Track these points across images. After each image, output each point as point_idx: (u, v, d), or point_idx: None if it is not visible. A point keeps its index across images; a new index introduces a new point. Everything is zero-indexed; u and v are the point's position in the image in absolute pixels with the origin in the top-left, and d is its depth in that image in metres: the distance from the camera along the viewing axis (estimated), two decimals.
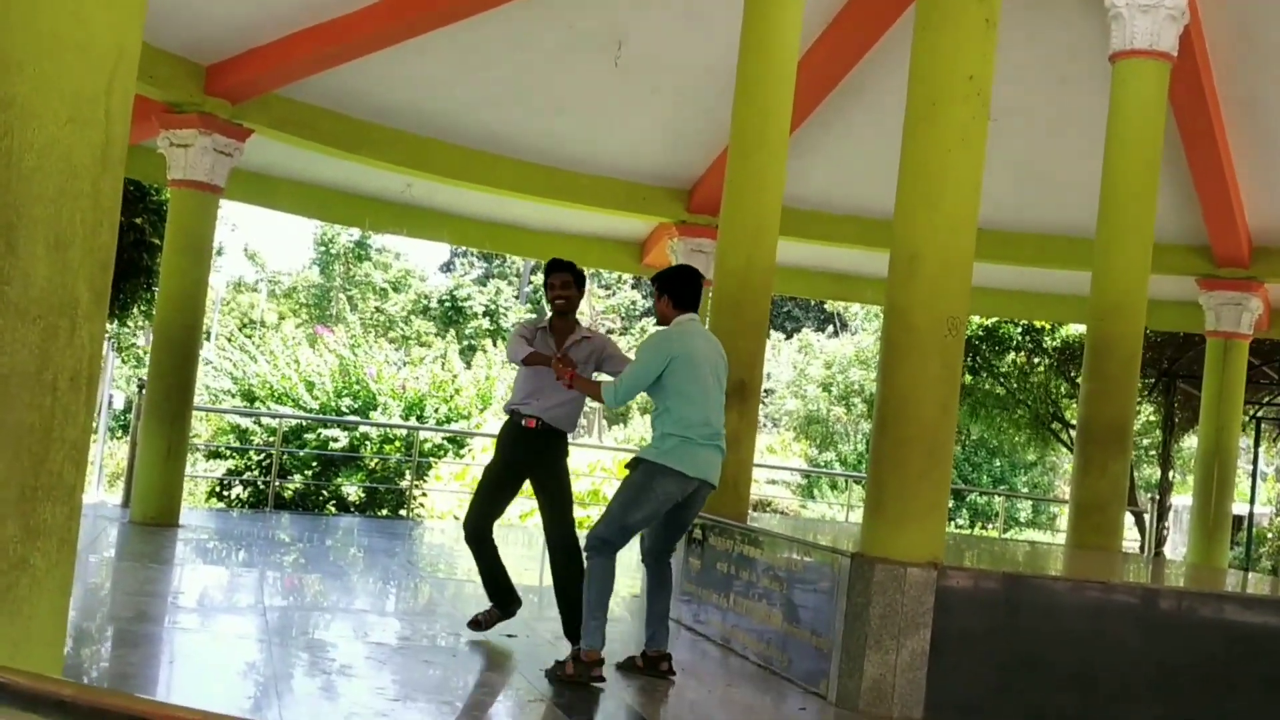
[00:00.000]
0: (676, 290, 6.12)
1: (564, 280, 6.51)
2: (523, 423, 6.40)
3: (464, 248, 37.73)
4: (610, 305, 38.51)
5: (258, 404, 17.04)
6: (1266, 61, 10.09)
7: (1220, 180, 11.22)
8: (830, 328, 37.80)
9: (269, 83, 10.37)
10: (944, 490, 5.93)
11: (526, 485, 6.58)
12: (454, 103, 11.53)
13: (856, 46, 10.53)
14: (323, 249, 37.35)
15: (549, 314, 6.69)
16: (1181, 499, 21.92)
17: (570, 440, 6.65)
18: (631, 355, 6.36)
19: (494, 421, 18.75)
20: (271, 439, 15.59)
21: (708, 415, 5.90)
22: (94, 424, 17.24)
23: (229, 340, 22.50)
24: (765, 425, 31.08)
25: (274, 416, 15.45)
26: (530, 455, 6.42)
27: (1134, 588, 6.17)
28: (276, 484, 14.58)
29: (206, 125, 10.18)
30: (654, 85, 11.41)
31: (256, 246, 41.69)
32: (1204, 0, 9.00)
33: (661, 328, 6.17)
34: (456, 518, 15.63)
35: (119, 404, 26.19)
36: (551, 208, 13.05)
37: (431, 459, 16.75)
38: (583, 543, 6.01)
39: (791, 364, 31.82)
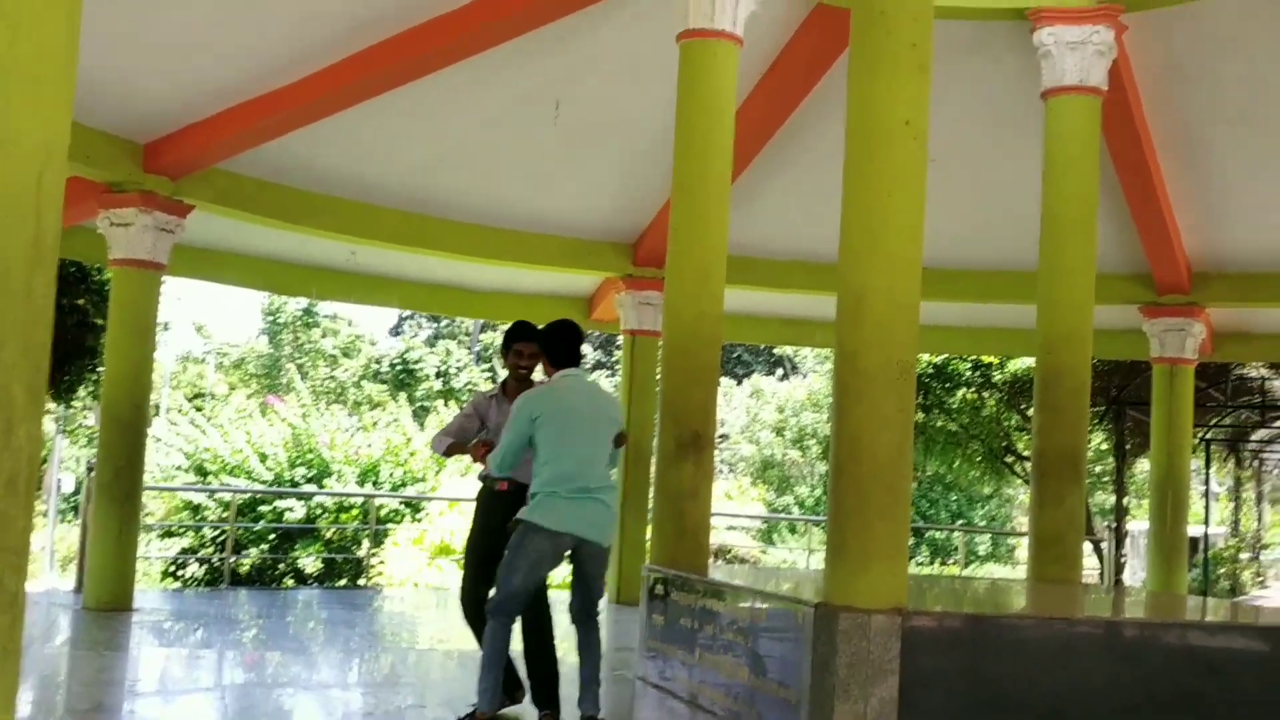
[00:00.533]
0: (551, 348, 6.20)
1: (533, 351, 6.52)
2: (496, 488, 6.48)
3: (412, 311, 37.59)
4: None
5: (210, 478, 16.86)
6: (1194, 90, 10.27)
7: (1157, 209, 11.38)
8: (780, 371, 37.92)
9: (208, 157, 10.33)
10: (904, 533, 5.92)
11: None
12: (396, 168, 11.53)
13: (793, 93, 10.62)
14: (270, 318, 37.10)
15: (503, 378, 6.75)
16: (1137, 524, 22.08)
17: None
18: None
19: (449, 483, 18.66)
20: (226, 514, 15.42)
21: (575, 470, 5.95)
22: (44, 508, 16.95)
23: (180, 414, 22.27)
24: (722, 471, 31.08)
25: (227, 491, 15.29)
26: (506, 518, 6.35)
27: (1098, 621, 6.18)
28: (232, 560, 14.39)
29: (146, 203, 10.12)
30: (595, 141, 11.47)
31: (204, 319, 41.36)
32: (1130, 35, 9.14)
33: (532, 388, 6.30)
34: (416, 584, 15.48)
35: (68, 486, 25.81)
36: (498, 268, 13.03)
37: (389, 524, 16.63)
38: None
39: (745, 409, 31.87)
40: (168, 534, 16.54)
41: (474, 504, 6.68)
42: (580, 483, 5.99)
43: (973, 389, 19.37)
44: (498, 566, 6.10)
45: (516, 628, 6.18)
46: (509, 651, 6.08)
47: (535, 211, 12.41)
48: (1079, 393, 8.81)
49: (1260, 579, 26.92)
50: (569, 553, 6.06)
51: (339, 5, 9.04)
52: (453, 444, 6.60)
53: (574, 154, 11.62)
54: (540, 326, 6.42)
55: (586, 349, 38.59)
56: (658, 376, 10.47)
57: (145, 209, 10.14)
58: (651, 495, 8.29)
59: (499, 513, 6.41)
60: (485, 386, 38.82)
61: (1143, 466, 22.49)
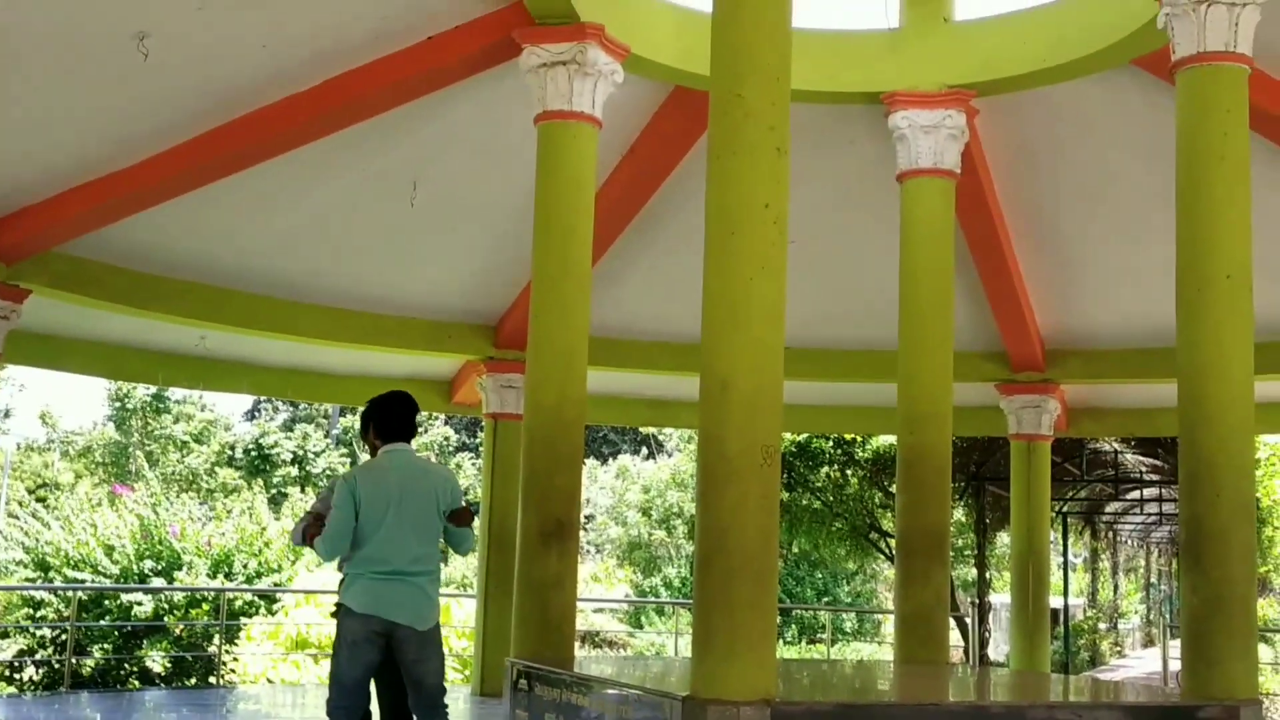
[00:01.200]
0: (378, 420, 6.03)
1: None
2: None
3: (267, 397, 36.76)
4: (423, 443, 37.90)
5: (52, 573, 16.11)
6: (1045, 173, 10.52)
7: (1010, 288, 11.59)
8: (645, 450, 37.87)
9: (46, 240, 9.91)
10: (772, 621, 5.80)
11: None
12: (247, 250, 11.20)
13: (653, 175, 10.60)
14: (118, 404, 35.91)
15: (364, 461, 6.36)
16: (999, 597, 22.34)
17: None
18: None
19: (305, 575, 18.10)
20: (67, 611, 14.70)
21: (385, 551, 5.75)
22: None
23: (20, 506, 21.37)
24: (589, 552, 30.78)
25: (67, 588, 14.59)
26: None
27: (967, 706, 6.12)
28: (73, 661, 13.68)
29: None
30: (453, 222, 11.30)
31: (49, 406, 39.85)
32: (982, 118, 9.33)
33: (355, 469, 6.10)
34: (270, 680, 14.90)
35: None
36: (356, 351, 12.73)
37: (243, 618, 16.02)
38: None
39: (611, 489, 31.66)
40: (3, 634, 15.71)
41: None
42: (391, 565, 5.78)
43: (836, 467, 19.49)
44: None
45: None
46: None
47: (393, 293, 12.17)
48: (941, 472, 8.86)
49: (1119, 648, 27.44)
50: (383, 633, 5.78)
51: (184, 87, 8.77)
52: (306, 528, 6.15)
53: (432, 235, 11.43)
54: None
55: (449, 432, 38.16)
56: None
57: None
58: (515, 583, 8.05)
59: None
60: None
61: (1003, 540, 22.83)
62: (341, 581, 5.97)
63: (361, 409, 6.30)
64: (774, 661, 5.79)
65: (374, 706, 6.14)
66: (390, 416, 6.06)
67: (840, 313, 12.22)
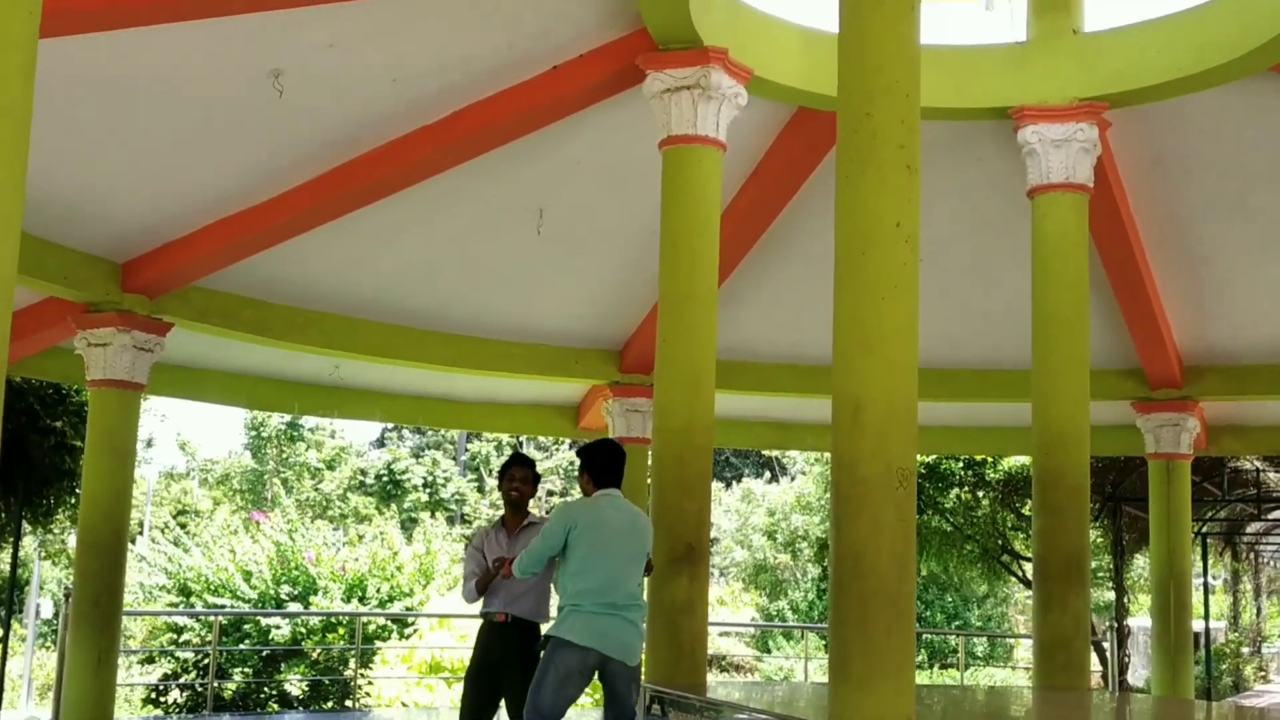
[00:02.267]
0: (596, 467, 6.38)
1: (525, 475, 7.02)
2: (495, 619, 6.71)
3: (397, 424, 37.35)
4: (548, 467, 38.17)
5: (193, 598, 16.52)
6: (1178, 183, 10.24)
7: (1146, 304, 11.30)
8: (768, 473, 37.67)
9: (187, 276, 10.20)
10: (910, 646, 5.71)
11: None
12: (376, 281, 11.41)
13: (777, 197, 10.55)
14: (254, 433, 36.82)
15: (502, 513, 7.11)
16: (1137, 620, 21.76)
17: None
18: None
19: (437, 599, 18.32)
20: (209, 636, 15.05)
21: (603, 585, 6.03)
22: (23, 633, 16.59)
23: (162, 532, 21.94)
24: (714, 576, 30.68)
25: (209, 614, 14.92)
26: (505, 652, 6.63)
27: None
28: (215, 684, 14.00)
29: (125, 323, 9.97)
30: (578, 249, 11.38)
31: (188, 435, 40.98)
32: (1114, 131, 9.12)
33: (568, 504, 6.44)
34: (405, 704, 15.08)
35: (46, 611, 25.29)
36: (484, 378, 12.88)
37: (377, 641, 16.26)
38: None
39: (736, 513, 31.55)
40: (148, 659, 16.13)
41: (476, 639, 6.86)
42: (608, 598, 6.06)
43: (966, 488, 19.17)
44: (494, 700, 6.40)
45: None
46: None
47: (520, 321, 12.29)
48: (1079, 493, 8.65)
49: (1263, 673, 26.53)
50: (598, 671, 6.05)
51: (316, 122, 8.97)
52: (478, 581, 6.78)
53: (557, 262, 11.53)
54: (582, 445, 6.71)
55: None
56: (648, 483, 10.24)
57: (124, 328, 9.98)
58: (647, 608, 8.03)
59: (497, 646, 6.66)
60: (473, 497, 38.46)
61: (1139, 562, 22.24)
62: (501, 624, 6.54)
63: (582, 448, 6.72)
64: (912, 688, 5.70)
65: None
66: (606, 464, 6.41)
67: (969, 332, 12.05)
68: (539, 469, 7.02)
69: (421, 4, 7.76)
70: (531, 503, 7.06)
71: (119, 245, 9.87)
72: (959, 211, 10.45)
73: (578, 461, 6.72)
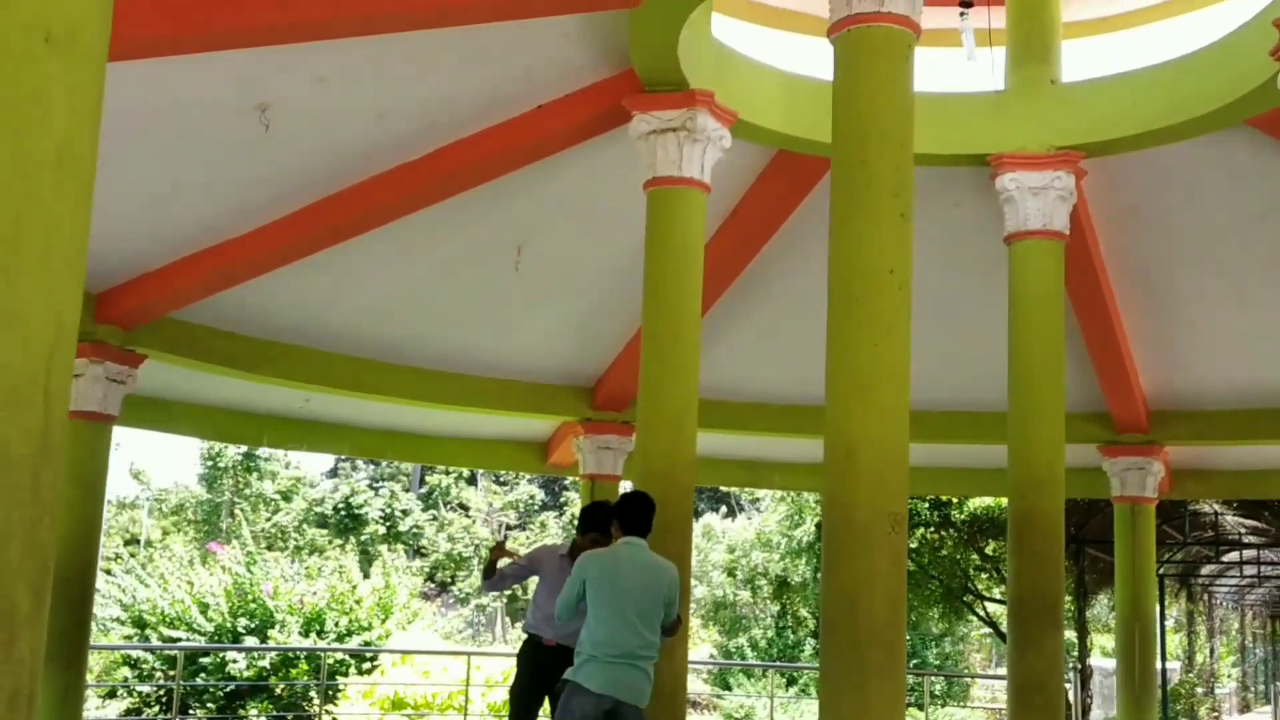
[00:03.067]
0: (623, 515, 6.70)
1: (593, 537, 7.21)
2: (544, 643, 7.42)
3: (365, 458, 37.10)
4: (507, 501, 38.05)
5: (149, 630, 16.30)
6: (1152, 234, 10.39)
7: (1115, 350, 11.44)
8: (724, 508, 37.71)
9: (161, 307, 10.13)
10: (901, 690, 5.74)
11: None
12: (351, 315, 11.37)
13: (754, 238, 10.62)
14: (210, 463, 36.45)
15: (573, 540, 7.63)
16: (1097, 661, 21.90)
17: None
18: None
19: (398, 634, 18.18)
20: (168, 670, 14.85)
21: (614, 636, 6.33)
22: None
23: (116, 562, 21.64)
24: None
25: (175, 648, 14.72)
26: (552, 672, 7.14)
27: None
28: None
29: (98, 354, 9.85)
30: (552, 287, 11.40)
31: (141, 463, 40.53)
32: (1090, 180, 9.25)
33: (594, 549, 6.76)
34: None
35: None
36: (453, 413, 12.85)
37: (338, 676, 16.11)
38: None
39: (695, 549, 31.52)
40: (110, 693, 15.89)
41: (517, 654, 7.67)
42: (622, 649, 6.36)
43: (931, 529, 19.28)
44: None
45: None
46: None
47: (493, 357, 12.28)
48: (1054, 537, 8.73)
49: (1215, 714, 26.75)
50: (609, 710, 6.38)
51: (299, 157, 8.94)
52: (488, 572, 7.88)
53: (532, 298, 11.54)
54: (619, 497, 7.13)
55: (534, 489, 38.27)
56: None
57: (96, 359, 9.87)
58: None
59: (545, 664, 7.37)
60: (430, 530, 38.21)
61: (1101, 603, 22.42)
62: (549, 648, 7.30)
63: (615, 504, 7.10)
64: None
65: None
66: (634, 513, 6.70)
67: (941, 373, 12.11)
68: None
69: (409, 42, 7.76)
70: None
71: (94, 276, 9.76)
72: (935, 254, 10.52)
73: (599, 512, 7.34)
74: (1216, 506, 18.44)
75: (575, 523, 7.46)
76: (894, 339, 5.85)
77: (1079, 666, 17.58)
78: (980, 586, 20.05)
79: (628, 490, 7.00)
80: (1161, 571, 20.13)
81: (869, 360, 5.80)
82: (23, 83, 2.25)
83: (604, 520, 7.04)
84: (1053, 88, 9.22)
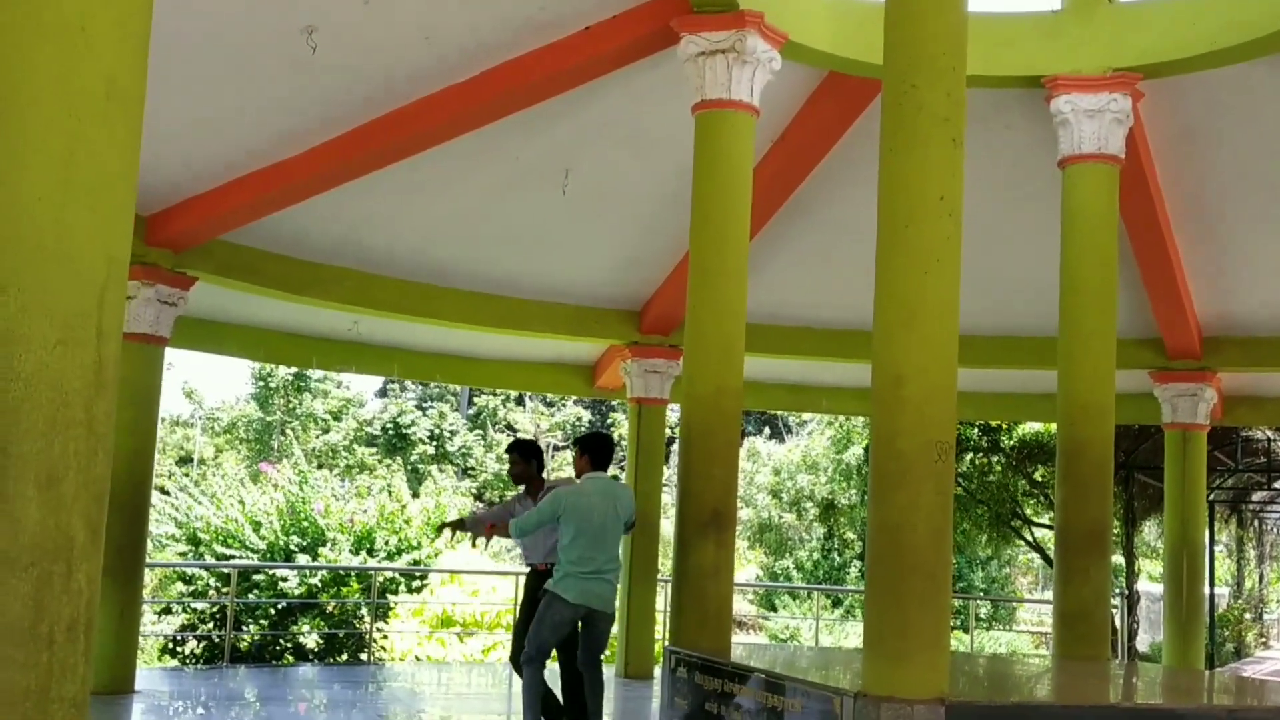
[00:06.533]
0: (596, 455, 7.71)
1: (513, 459, 8.42)
2: (539, 568, 8.02)
3: (413, 380, 37.38)
4: (555, 423, 38.25)
5: (202, 548, 16.55)
6: (1207, 158, 10.21)
7: (1169, 275, 11.28)
8: (766, 430, 37.73)
9: (211, 230, 10.18)
10: (945, 620, 5.74)
11: None
12: (399, 238, 11.39)
13: (804, 162, 10.51)
14: (261, 383, 36.82)
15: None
16: (1144, 586, 21.86)
17: None
18: None
19: (448, 554, 18.38)
20: (221, 587, 15.11)
21: (590, 554, 7.43)
22: None
23: (170, 480, 21.94)
24: None
25: (227, 566, 14.95)
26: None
27: (1151, 708, 6.00)
28: (232, 636, 14.07)
29: (149, 276, 9.93)
30: (599, 210, 11.36)
31: (193, 383, 41.01)
32: (1146, 103, 9.07)
33: (562, 486, 7.80)
34: (419, 659, 15.18)
35: None
36: (502, 336, 12.88)
37: (388, 595, 16.33)
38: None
39: (740, 472, 31.55)
40: (165, 609, 16.19)
41: (524, 582, 8.34)
42: (593, 565, 7.46)
43: (980, 454, 19.21)
44: None
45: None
46: (545, 689, 7.67)
47: (540, 280, 12.28)
48: (1102, 467, 8.68)
49: (1263, 639, 26.68)
50: (584, 617, 7.56)
51: (346, 80, 8.92)
52: (468, 521, 8.61)
53: (580, 222, 11.51)
54: (580, 435, 8.43)
55: (580, 411, 38.44)
56: (668, 447, 10.23)
57: (148, 282, 9.95)
58: (662, 568, 8.19)
59: (537, 585, 7.90)
60: (478, 451, 38.52)
61: (1147, 529, 22.32)
62: (541, 572, 7.86)
63: (577, 438, 8.54)
64: (947, 660, 5.73)
65: None
66: (601, 452, 7.72)
67: (991, 298, 12.02)
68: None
69: None
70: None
71: (144, 199, 9.81)
72: (986, 179, 10.38)
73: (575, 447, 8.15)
74: (1269, 433, 18.25)
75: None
76: (943, 268, 5.78)
77: (1126, 592, 17.55)
78: (1028, 511, 19.98)
79: (594, 430, 8.00)
80: (1211, 498, 20.00)
81: (917, 289, 5.74)
82: (69, 16, 2.25)
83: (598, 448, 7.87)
84: (1110, 7, 9.04)
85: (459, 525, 8.69)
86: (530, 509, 8.02)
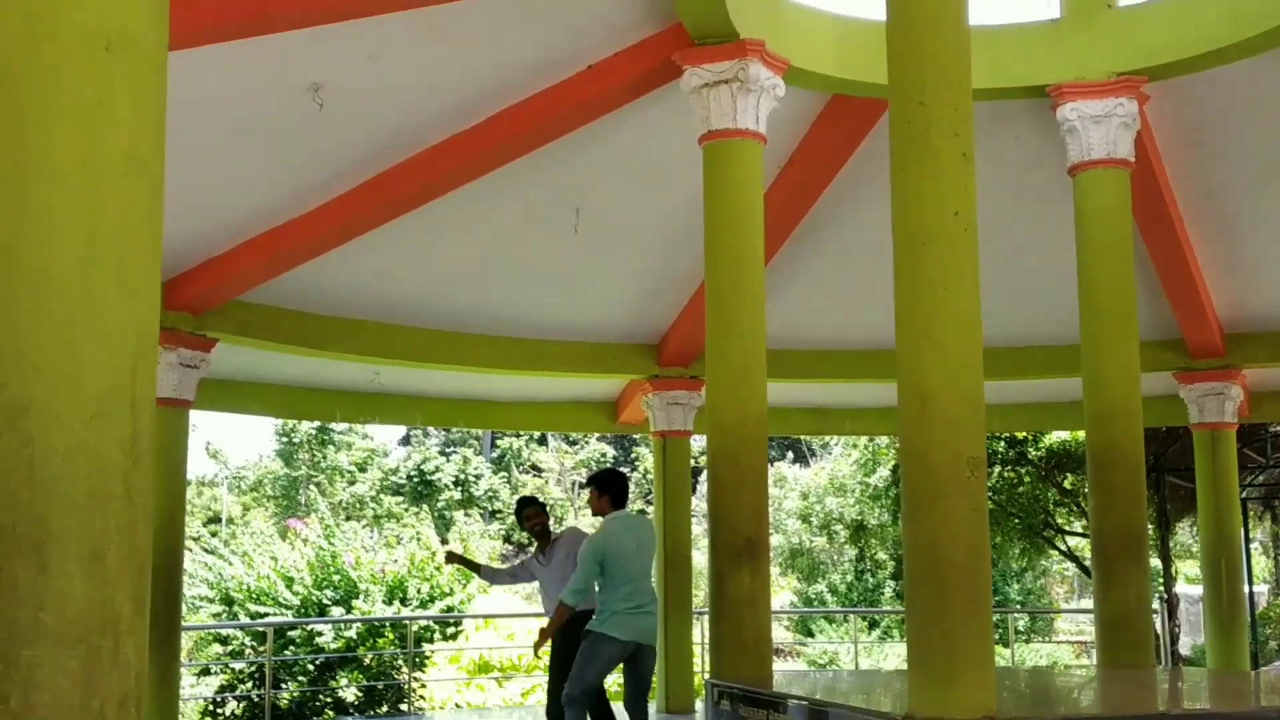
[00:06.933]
0: (616, 492, 7.92)
1: (536, 512, 8.95)
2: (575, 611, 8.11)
3: (437, 427, 37.37)
4: (579, 460, 38.23)
5: (236, 607, 16.56)
6: (1217, 156, 10.18)
7: (1187, 274, 11.24)
8: (790, 455, 37.63)
9: (229, 291, 10.23)
10: (989, 637, 5.70)
11: None
12: (415, 287, 11.43)
13: (814, 186, 10.52)
14: (285, 438, 36.90)
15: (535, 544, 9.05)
16: (1182, 588, 21.69)
17: None
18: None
19: (481, 598, 18.34)
20: (258, 646, 15.09)
21: (632, 592, 7.64)
22: None
23: (198, 543, 21.98)
24: None
25: (262, 624, 14.94)
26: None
27: (1200, 715, 5.94)
28: (271, 694, 14.05)
29: (171, 340, 9.98)
30: (614, 245, 11.38)
31: (218, 443, 41.11)
32: (1152, 105, 9.06)
33: (594, 532, 7.95)
34: (459, 706, 15.13)
35: None
36: (523, 378, 12.90)
37: (424, 643, 16.30)
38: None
39: (769, 498, 31.42)
40: (204, 670, 16.18)
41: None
42: (636, 601, 7.67)
43: (1008, 466, 19.13)
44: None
45: None
46: None
47: (558, 319, 12.30)
48: (1134, 469, 8.63)
49: None
50: (631, 653, 7.72)
51: (355, 133, 8.98)
52: (489, 572, 9.64)
53: (594, 259, 11.53)
54: (594, 472, 8.90)
55: (605, 447, 38.42)
56: (695, 479, 10.20)
57: (169, 346, 10.00)
58: (697, 599, 8.18)
59: (576, 631, 7.98)
60: (504, 493, 38.51)
61: (1183, 531, 22.16)
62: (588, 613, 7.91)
63: (591, 477, 8.54)
64: (994, 677, 5.68)
65: None
66: (620, 489, 7.98)
67: (1011, 309, 11.99)
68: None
69: (456, 11, 7.73)
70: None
71: (163, 263, 9.87)
72: (998, 191, 10.39)
73: (589, 485, 8.33)
74: None
75: (604, 482, 8.40)
76: (963, 282, 5.77)
77: (1165, 596, 17.41)
78: (1060, 521, 19.87)
79: (607, 469, 8.30)
80: (1244, 495, 19.84)
81: (938, 306, 5.72)
82: (87, 93, 2.28)
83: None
84: (1110, 12, 9.04)
85: (470, 565, 9.42)
86: (546, 565, 8.74)
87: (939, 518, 5.60)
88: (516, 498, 10.06)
